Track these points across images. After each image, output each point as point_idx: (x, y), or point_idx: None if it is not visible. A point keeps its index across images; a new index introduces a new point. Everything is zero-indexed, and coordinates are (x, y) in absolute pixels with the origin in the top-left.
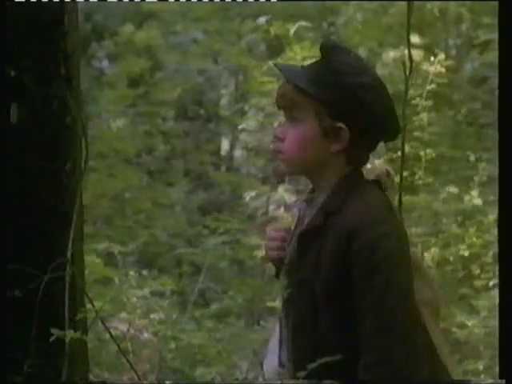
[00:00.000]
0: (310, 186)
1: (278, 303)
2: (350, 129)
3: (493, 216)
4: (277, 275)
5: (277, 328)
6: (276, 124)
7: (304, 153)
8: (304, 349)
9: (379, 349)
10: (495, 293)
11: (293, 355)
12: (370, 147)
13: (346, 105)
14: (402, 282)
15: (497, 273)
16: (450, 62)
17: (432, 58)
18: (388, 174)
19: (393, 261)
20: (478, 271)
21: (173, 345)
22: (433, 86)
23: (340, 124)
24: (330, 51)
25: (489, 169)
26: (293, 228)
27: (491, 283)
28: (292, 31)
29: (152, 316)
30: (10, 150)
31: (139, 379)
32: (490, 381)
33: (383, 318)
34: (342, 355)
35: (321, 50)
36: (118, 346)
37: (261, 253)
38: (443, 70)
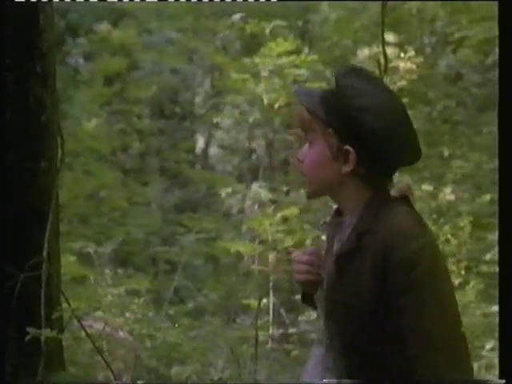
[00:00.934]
0: (327, 201)
1: (253, 301)
2: (358, 151)
3: (466, 213)
4: (304, 298)
5: (314, 352)
6: (251, 120)
7: (318, 174)
8: (357, 367)
9: (427, 365)
10: (471, 290)
11: (346, 374)
12: (387, 170)
13: (351, 128)
14: (443, 294)
15: (474, 270)
16: (422, 59)
17: (402, 55)
18: (409, 188)
19: (432, 274)
20: (453, 268)
21: (148, 343)
22: (403, 82)
23: (347, 147)
24: (342, 75)
25: (463, 166)
26: (324, 251)
27: (459, 281)
28: (268, 30)
29: (127, 314)
30: None
31: (115, 378)
32: (490, 381)
33: (428, 332)
34: (393, 370)
35: (335, 75)
36: (94, 344)
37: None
38: (414, 66)
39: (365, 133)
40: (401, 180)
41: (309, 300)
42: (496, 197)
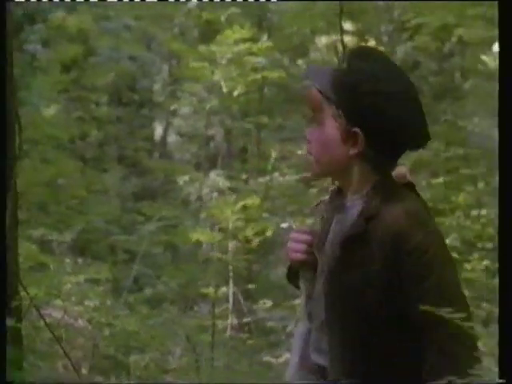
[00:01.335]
0: (330, 187)
1: (211, 289)
2: (366, 134)
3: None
4: (291, 278)
5: (299, 331)
6: (211, 111)
7: (326, 154)
8: (357, 355)
9: (444, 350)
10: None
11: (340, 357)
12: (394, 154)
13: (360, 111)
14: (454, 279)
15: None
16: (382, 48)
17: (363, 44)
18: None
19: (443, 259)
20: None
21: (107, 331)
22: None
23: (355, 129)
24: (355, 57)
25: (415, 155)
26: (325, 233)
27: None
28: (223, 17)
29: (86, 303)
30: None
31: (73, 367)
32: (490, 381)
33: (446, 318)
34: (397, 358)
35: (348, 55)
36: (53, 333)
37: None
38: None
39: (375, 116)
40: (399, 167)
41: (295, 279)
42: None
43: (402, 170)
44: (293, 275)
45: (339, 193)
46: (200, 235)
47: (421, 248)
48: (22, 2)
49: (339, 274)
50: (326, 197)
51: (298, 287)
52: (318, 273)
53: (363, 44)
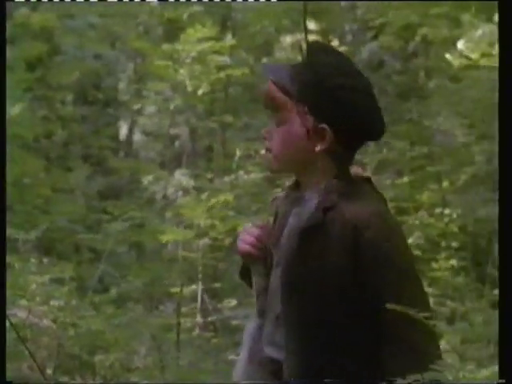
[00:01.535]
0: (288, 183)
1: (177, 289)
2: (333, 130)
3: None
4: (243, 275)
5: (252, 326)
6: (177, 110)
7: (290, 152)
8: (314, 347)
9: (403, 337)
10: None
11: (301, 354)
12: (354, 147)
13: (327, 106)
14: (413, 270)
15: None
16: (345, 48)
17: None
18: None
19: (402, 250)
20: None
21: (72, 331)
22: None
23: (323, 125)
24: (315, 52)
25: (382, 153)
26: (279, 228)
27: None
28: (185, 15)
29: (51, 303)
30: None
31: (38, 367)
32: (491, 381)
33: (404, 305)
34: (354, 350)
35: (306, 50)
36: (18, 333)
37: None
38: None
39: (342, 110)
40: (353, 166)
41: (246, 276)
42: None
43: (357, 170)
44: (245, 272)
45: (296, 187)
46: (170, 234)
47: (380, 239)
48: (21, 1)
49: (297, 266)
50: (282, 192)
51: (249, 285)
52: (274, 267)
53: (318, 39)
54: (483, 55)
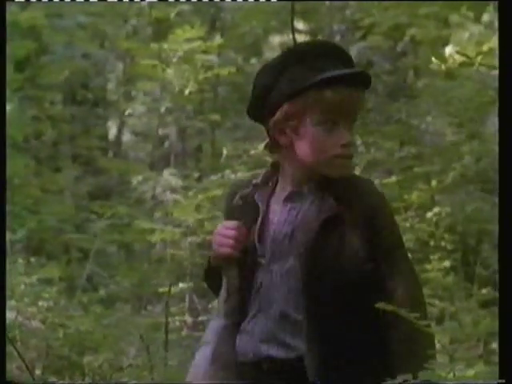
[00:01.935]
0: (255, 180)
1: (165, 288)
2: None
3: None
4: (209, 277)
5: (219, 325)
6: (163, 109)
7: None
8: (331, 338)
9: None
10: None
11: (316, 344)
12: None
13: None
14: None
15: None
16: None
17: None
18: None
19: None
20: None
21: (60, 332)
22: None
23: None
24: None
25: (372, 153)
26: (259, 224)
27: None
28: (172, 15)
29: (40, 303)
30: None
31: (27, 368)
32: (491, 381)
33: (418, 288)
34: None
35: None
36: (6, 335)
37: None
38: None
39: None
40: None
41: (211, 278)
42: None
43: None
44: (212, 274)
45: (267, 184)
46: (159, 234)
47: (391, 222)
48: (21, 1)
49: (320, 256)
50: (245, 190)
51: (212, 287)
52: (267, 263)
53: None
54: (471, 56)
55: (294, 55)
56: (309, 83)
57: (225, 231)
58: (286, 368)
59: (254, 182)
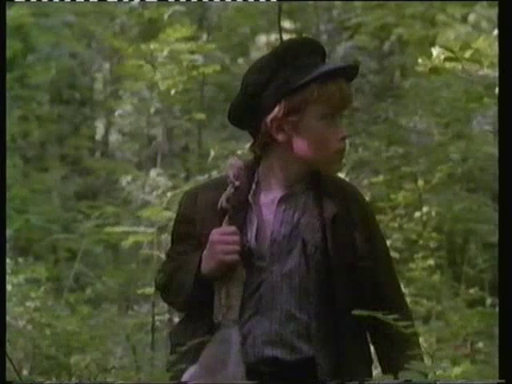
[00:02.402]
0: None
1: (151, 289)
2: None
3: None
4: (201, 287)
5: (229, 336)
6: (153, 110)
7: None
8: (342, 337)
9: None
10: None
11: (328, 344)
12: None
13: None
14: None
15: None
16: None
17: None
18: None
19: None
20: None
21: (48, 332)
22: None
23: None
24: None
25: (359, 152)
26: (256, 226)
27: None
28: (166, 15)
29: (27, 303)
30: None
31: (14, 368)
32: (491, 381)
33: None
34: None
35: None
36: (6, 334)
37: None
38: None
39: None
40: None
41: (203, 287)
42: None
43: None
44: (200, 286)
45: (249, 184)
46: (137, 236)
47: (376, 220)
48: (21, 1)
49: (330, 257)
50: (228, 192)
51: (202, 296)
52: (266, 264)
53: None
54: (457, 55)
55: (286, 52)
56: (311, 77)
57: (227, 238)
58: (291, 370)
59: (237, 183)
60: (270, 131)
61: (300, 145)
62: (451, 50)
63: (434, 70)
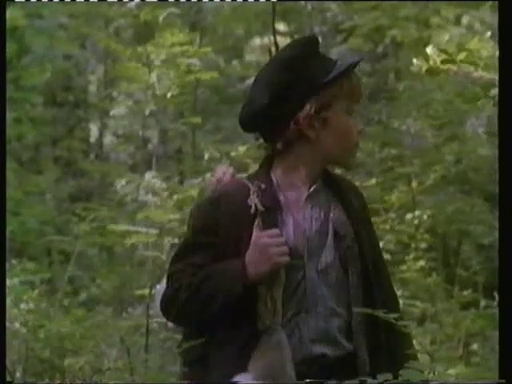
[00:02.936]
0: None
1: (146, 291)
2: None
3: None
4: (247, 288)
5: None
6: (147, 112)
7: None
8: (379, 331)
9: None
10: None
11: (368, 338)
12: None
13: None
14: None
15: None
16: None
17: None
18: None
19: None
20: None
21: (42, 334)
22: None
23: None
24: None
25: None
26: (291, 225)
27: None
28: (161, 17)
29: (22, 306)
30: None
31: (8, 371)
32: (490, 381)
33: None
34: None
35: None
36: (6, 335)
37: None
38: None
39: None
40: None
41: (250, 288)
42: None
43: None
44: (249, 289)
45: (271, 185)
46: (134, 237)
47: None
48: (21, 1)
49: (365, 250)
50: (255, 193)
51: (247, 303)
52: (307, 260)
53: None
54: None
55: (306, 49)
56: (339, 72)
57: (277, 240)
58: (336, 366)
59: (263, 186)
60: (302, 129)
61: (329, 140)
62: (446, 52)
63: (430, 71)
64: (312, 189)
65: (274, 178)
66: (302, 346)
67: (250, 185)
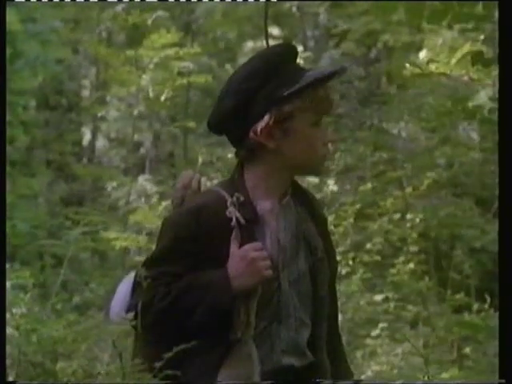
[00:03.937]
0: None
1: None
2: None
3: (349, 204)
4: (230, 301)
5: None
6: (140, 116)
7: None
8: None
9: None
10: (354, 279)
11: (327, 345)
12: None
13: None
14: None
15: (351, 261)
16: (308, 54)
17: None
18: None
19: None
20: (338, 258)
21: (34, 339)
22: None
23: None
24: None
25: (345, 158)
26: (268, 237)
27: (347, 271)
28: (150, 21)
29: (14, 310)
30: None
31: None
32: (491, 381)
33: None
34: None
35: None
36: (6, 335)
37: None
38: (301, 62)
39: None
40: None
41: (232, 301)
42: (377, 186)
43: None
44: (232, 298)
45: (247, 196)
46: (124, 241)
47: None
48: (15, 5)
49: (331, 260)
50: (233, 205)
51: (229, 310)
52: (282, 269)
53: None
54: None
55: (274, 58)
56: (303, 84)
57: (262, 254)
58: (301, 375)
59: (242, 198)
60: (259, 139)
61: (291, 151)
62: (434, 60)
63: (422, 74)
64: (285, 200)
65: (248, 188)
66: (272, 357)
67: (226, 196)
